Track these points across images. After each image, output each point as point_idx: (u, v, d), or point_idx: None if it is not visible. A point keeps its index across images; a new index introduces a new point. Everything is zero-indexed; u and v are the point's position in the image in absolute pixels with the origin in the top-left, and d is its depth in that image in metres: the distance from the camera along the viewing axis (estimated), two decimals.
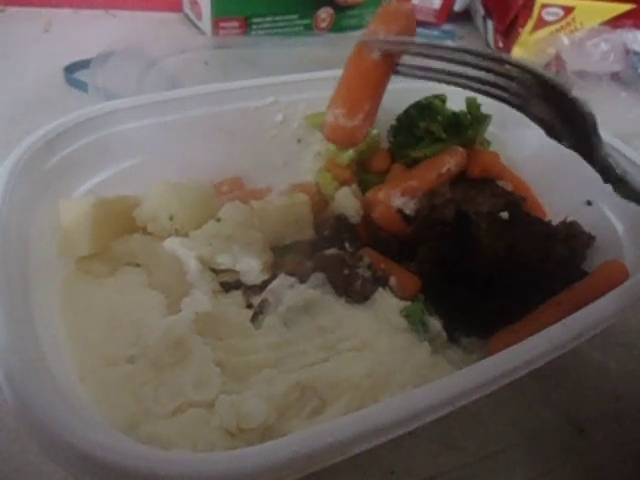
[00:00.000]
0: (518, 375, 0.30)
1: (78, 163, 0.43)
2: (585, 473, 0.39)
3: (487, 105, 0.57)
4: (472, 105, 0.55)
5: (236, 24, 0.89)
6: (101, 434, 0.25)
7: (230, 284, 0.43)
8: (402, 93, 0.59)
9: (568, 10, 0.89)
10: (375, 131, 0.56)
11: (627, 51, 0.92)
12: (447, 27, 1.11)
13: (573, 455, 0.40)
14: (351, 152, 0.55)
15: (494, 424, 0.41)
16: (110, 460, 0.23)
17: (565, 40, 0.90)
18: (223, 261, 0.42)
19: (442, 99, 0.55)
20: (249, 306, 0.42)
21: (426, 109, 0.54)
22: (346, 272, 0.42)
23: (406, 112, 0.55)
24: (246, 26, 0.90)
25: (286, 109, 0.56)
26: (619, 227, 0.49)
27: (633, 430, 0.42)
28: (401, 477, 0.37)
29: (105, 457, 0.23)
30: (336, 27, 0.99)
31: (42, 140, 0.40)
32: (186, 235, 0.43)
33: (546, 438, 0.41)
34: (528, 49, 0.93)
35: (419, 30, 1.16)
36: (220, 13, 0.87)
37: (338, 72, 0.58)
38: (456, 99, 0.56)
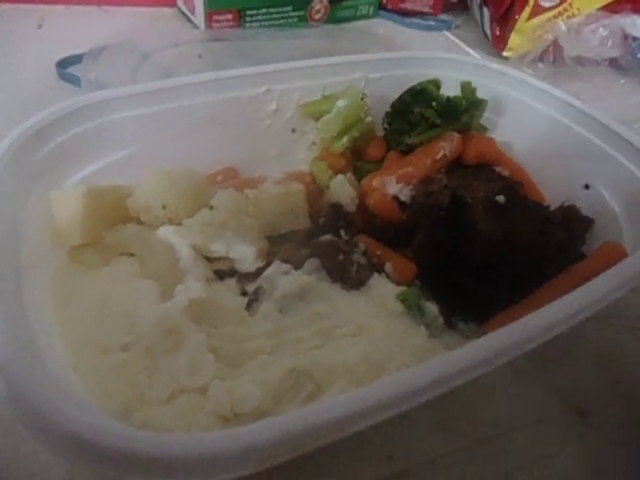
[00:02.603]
0: (514, 355, 0.30)
1: (69, 153, 0.43)
2: (586, 456, 0.39)
3: (482, 90, 0.56)
4: (467, 90, 0.55)
5: (229, 17, 0.88)
6: (95, 419, 0.25)
7: (224, 272, 0.43)
8: (396, 79, 0.59)
9: None
10: (369, 118, 0.56)
11: (626, 36, 0.91)
12: (443, 16, 1.10)
13: (574, 438, 0.40)
14: (345, 140, 0.54)
15: (493, 408, 0.41)
16: (105, 443, 0.23)
17: (562, 26, 0.89)
18: (217, 249, 0.41)
19: (437, 84, 0.54)
20: (244, 294, 0.42)
21: (420, 95, 0.53)
22: (341, 258, 0.42)
23: (400, 98, 0.55)
24: (240, 19, 0.89)
25: (279, 98, 0.55)
26: (617, 210, 0.49)
27: (634, 413, 0.42)
28: (398, 461, 0.36)
29: (99, 441, 0.23)
30: (330, 19, 0.98)
31: (32, 129, 0.39)
32: (180, 224, 0.43)
33: (546, 421, 0.41)
34: (525, 36, 0.92)
35: (416, 21, 1.15)
36: (213, 6, 0.86)
37: (331, 60, 0.58)
38: (451, 84, 0.55)
